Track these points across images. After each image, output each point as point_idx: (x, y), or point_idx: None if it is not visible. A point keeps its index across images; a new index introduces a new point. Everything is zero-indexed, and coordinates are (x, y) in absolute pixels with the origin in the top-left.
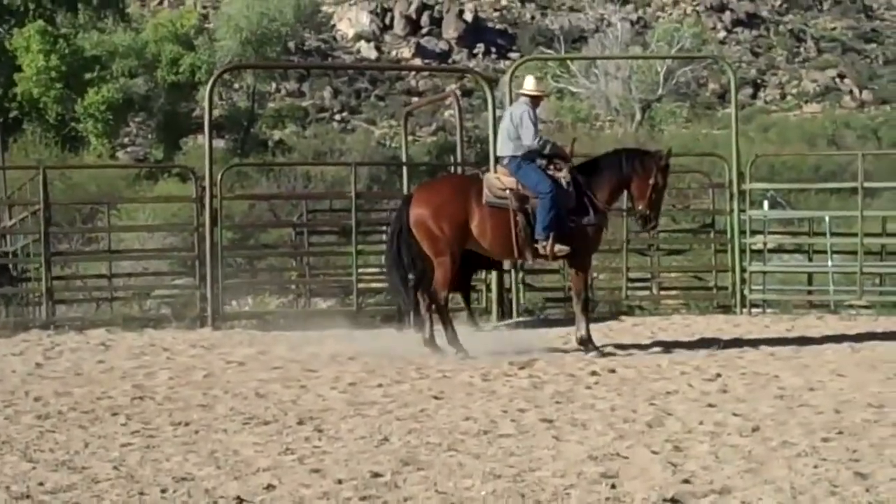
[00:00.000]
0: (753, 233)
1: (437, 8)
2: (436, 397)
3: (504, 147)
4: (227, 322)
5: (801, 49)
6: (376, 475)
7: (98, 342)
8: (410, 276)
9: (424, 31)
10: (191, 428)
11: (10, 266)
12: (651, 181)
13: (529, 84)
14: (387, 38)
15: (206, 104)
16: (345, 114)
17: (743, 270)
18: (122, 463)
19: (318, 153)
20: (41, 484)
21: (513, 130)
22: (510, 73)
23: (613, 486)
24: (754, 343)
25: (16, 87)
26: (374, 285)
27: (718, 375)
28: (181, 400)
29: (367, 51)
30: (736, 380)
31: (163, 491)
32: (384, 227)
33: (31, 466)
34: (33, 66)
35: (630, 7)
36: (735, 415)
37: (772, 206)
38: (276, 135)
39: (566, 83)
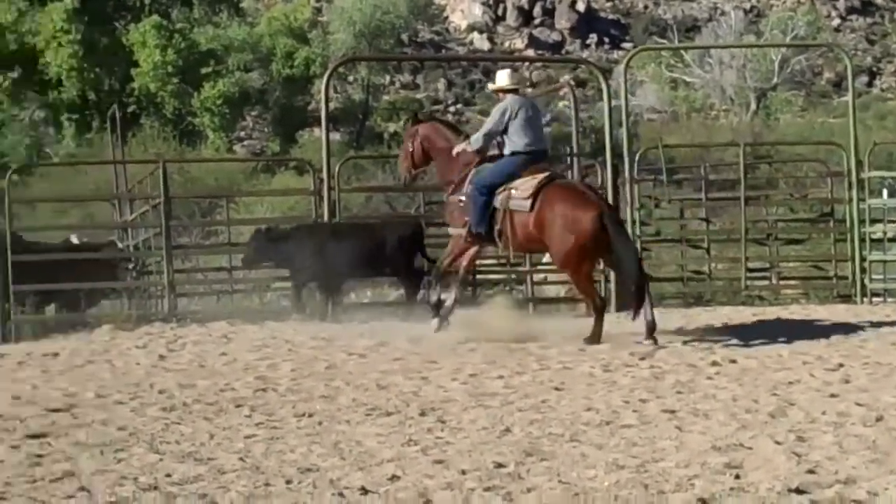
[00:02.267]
0: (873, 222)
1: None
2: (557, 388)
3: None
4: (347, 314)
5: None
6: (499, 466)
7: (220, 334)
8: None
9: (537, 21)
10: (314, 419)
11: (133, 259)
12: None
13: (504, 80)
14: (499, 29)
15: (322, 97)
16: (459, 105)
17: (863, 260)
18: (247, 454)
19: None
20: (168, 475)
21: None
22: (625, 62)
23: (737, 477)
24: (876, 333)
25: (133, 83)
26: (491, 277)
27: (841, 365)
28: (304, 391)
29: (480, 42)
30: (858, 370)
31: (288, 482)
32: None
33: (158, 458)
34: (150, 62)
35: None
36: (858, 405)
37: (891, 195)
38: (391, 127)
39: (680, 73)
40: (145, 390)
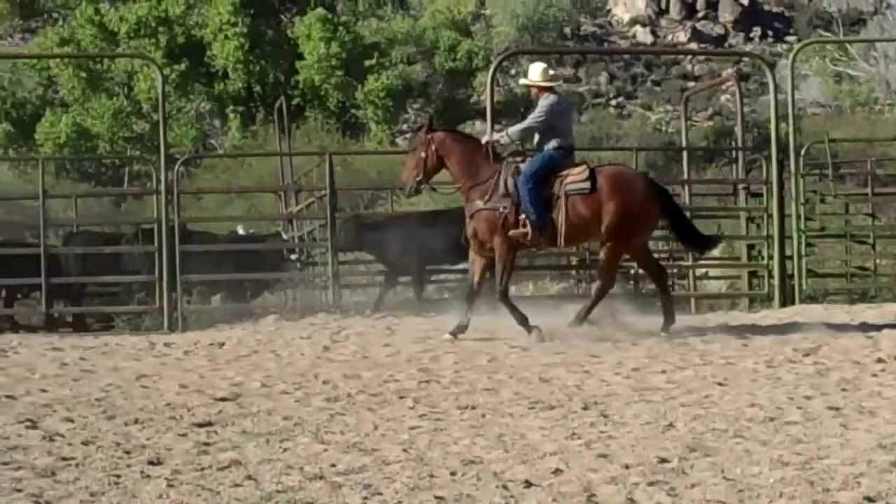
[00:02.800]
0: None
1: None
2: (720, 384)
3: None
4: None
5: None
6: (663, 461)
7: (383, 326)
8: None
9: (700, 15)
10: (477, 412)
11: (298, 251)
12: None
13: (537, 75)
14: (662, 22)
15: (487, 90)
16: (620, 99)
17: None
18: (411, 445)
19: (594, 138)
20: (333, 465)
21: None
22: (792, 56)
23: None
24: None
25: (298, 75)
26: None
27: None
28: (467, 384)
29: (643, 35)
30: None
31: (452, 474)
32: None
33: (323, 448)
34: (314, 54)
35: None
36: None
37: None
38: None
39: (845, 66)
40: (310, 380)
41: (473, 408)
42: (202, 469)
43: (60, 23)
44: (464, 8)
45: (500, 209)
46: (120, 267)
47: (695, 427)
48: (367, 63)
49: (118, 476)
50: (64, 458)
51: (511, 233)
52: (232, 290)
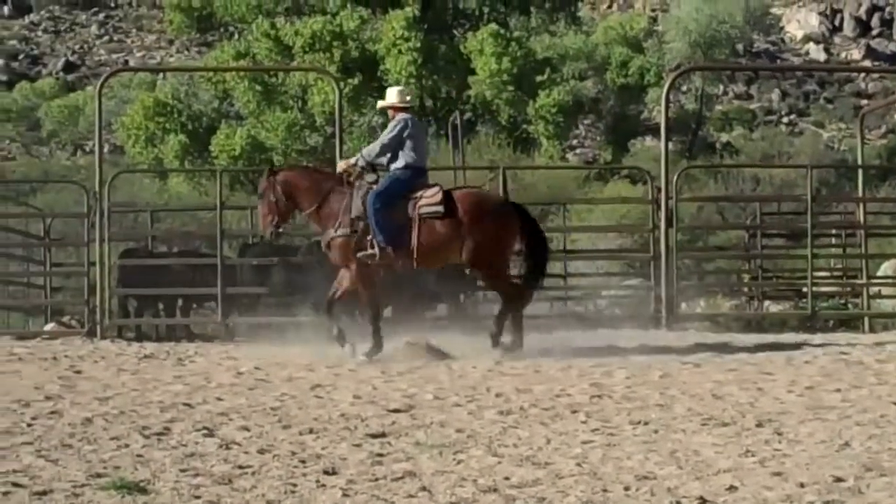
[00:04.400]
0: None
1: (888, 9)
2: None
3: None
4: (680, 323)
5: None
6: (838, 480)
7: (554, 341)
8: None
9: (875, 32)
10: (650, 427)
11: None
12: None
13: (393, 97)
14: (836, 39)
15: (661, 107)
16: (793, 116)
17: None
18: (584, 460)
19: (766, 156)
20: (507, 478)
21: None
22: None
23: None
24: None
25: (470, 90)
26: (825, 289)
27: None
28: (639, 399)
29: (816, 53)
30: None
31: (626, 489)
32: (835, 231)
33: (497, 461)
34: (486, 69)
35: None
36: None
37: None
38: (724, 137)
39: None
40: (482, 393)
41: (646, 423)
42: (376, 479)
43: (236, 37)
44: (636, 24)
45: (351, 232)
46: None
47: (871, 446)
48: (539, 78)
49: (294, 485)
50: (240, 467)
51: (359, 255)
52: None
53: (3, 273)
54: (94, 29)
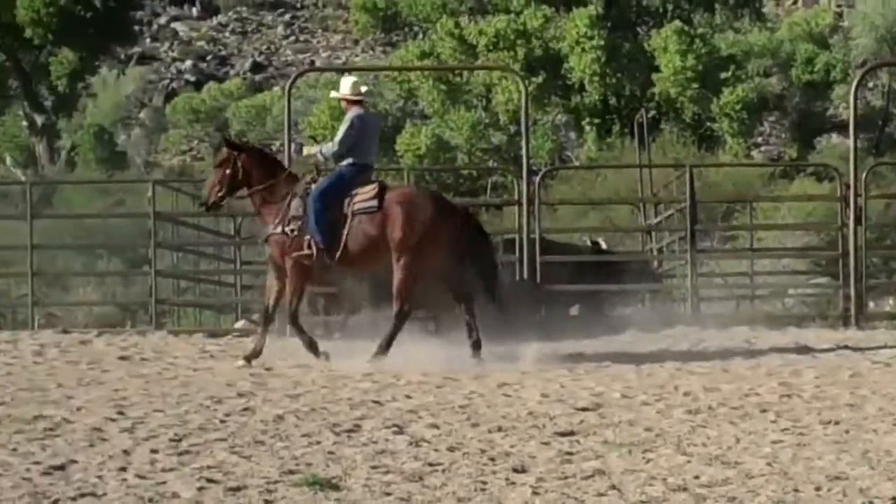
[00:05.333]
0: None
1: None
2: None
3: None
4: (869, 322)
5: None
6: None
7: (742, 340)
8: None
9: None
10: (840, 427)
11: (654, 262)
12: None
13: (346, 88)
14: None
15: (850, 103)
16: None
17: None
18: (774, 459)
19: None
20: (696, 477)
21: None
22: None
23: None
24: None
25: (653, 88)
26: None
27: None
28: (829, 398)
29: None
30: None
31: (817, 489)
32: None
33: (686, 460)
34: (670, 67)
35: None
36: None
37: None
38: None
39: None
40: (670, 392)
41: (837, 423)
42: (566, 478)
43: (420, 36)
44: (821, 20)
45: (288, 232)
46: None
47: None
48: (723, 76)
49: (484, 482)
50: (430, 464)
51: (294, 255)
52: (590, 301)
53: (195, 271)
54: (280, 30)
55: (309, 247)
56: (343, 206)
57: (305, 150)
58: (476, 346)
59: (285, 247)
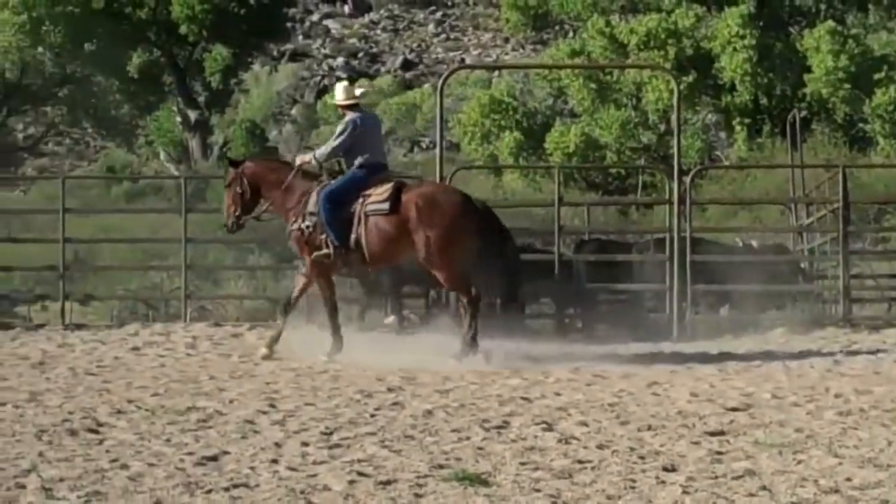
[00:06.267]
0: None
1: None
2: None
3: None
4: None
5: None
6: None
7: (893, 342)
8: None
9: None
10: None
11: (806, 263)
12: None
13: (340, 94)
14: None
15: None
16: None
17: None
18: None
19: None
20: (848, 479)
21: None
22: None
23: None
24: None
25: (805, 88)
26: None
27: None
28: None
29: None
30: None
31: None
32: None
33: (837, 462)
34: (823, 67)
35: None
36: None
37: None
38: None
39: None
40: (821, 394)
41: None
42: (716, 477)
43: (571, 35)
44: None
45: (304, 227)
46: (630, 275)
47: None
48: (876, 76)
49: (633, 481)
50: (580, 461)
51: (314, 255)
52: (741, 301)
53: None
54: (431, 27)
55: (326, 245)
56: (356, 206)
57: (299, 159)
58: (472, 343)
59: (302, 242)
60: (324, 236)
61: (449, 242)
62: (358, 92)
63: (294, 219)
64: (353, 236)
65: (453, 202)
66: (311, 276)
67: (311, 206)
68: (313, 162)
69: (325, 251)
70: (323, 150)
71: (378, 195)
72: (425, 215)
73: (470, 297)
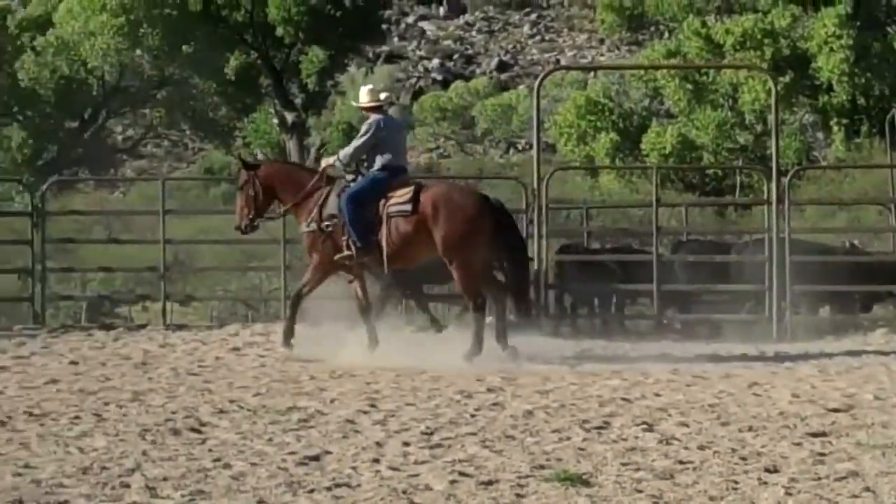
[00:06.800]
0: None
1: None
2: None
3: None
4: None
5: None
6: None
7: None
8: None
9: None
10: None
11: None
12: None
13: (364, 97)
14: None
15: None
16: None
17: None
18: None
19: None
20: None
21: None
22: None
23: None
24: None
25: None
26: None
27: None
28: None
29: None
30: None
31: None
32: None
33: None
34: None
35: None
36: None
37: None
38: None
39: None
40: None
41: None
42: (819, 479)
43: (666, 35)
44: None
45: (325, 227)
46: (728, 276)
47: None
48: None
49: (735, 482)
50: (681, 462)
51: (336, 257)
52: (841, 302)
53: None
54: (526, 29)
55: (348, 247)
56: (378, 207)
57: (324, 162)
58: (503, 341)
59: (315, 241)
60: (346, 238)
61: (464, 241)
62: (382, 96)
63: (307, 220)
64: (375, 238)
65: (469, 201)
66: (314, 273)
67: (330, 208)
68: (337, 164)
69: (346, 253)
70: (346, 151)
71: (400, 196)
72: (442, 214)
73: (476, 303)
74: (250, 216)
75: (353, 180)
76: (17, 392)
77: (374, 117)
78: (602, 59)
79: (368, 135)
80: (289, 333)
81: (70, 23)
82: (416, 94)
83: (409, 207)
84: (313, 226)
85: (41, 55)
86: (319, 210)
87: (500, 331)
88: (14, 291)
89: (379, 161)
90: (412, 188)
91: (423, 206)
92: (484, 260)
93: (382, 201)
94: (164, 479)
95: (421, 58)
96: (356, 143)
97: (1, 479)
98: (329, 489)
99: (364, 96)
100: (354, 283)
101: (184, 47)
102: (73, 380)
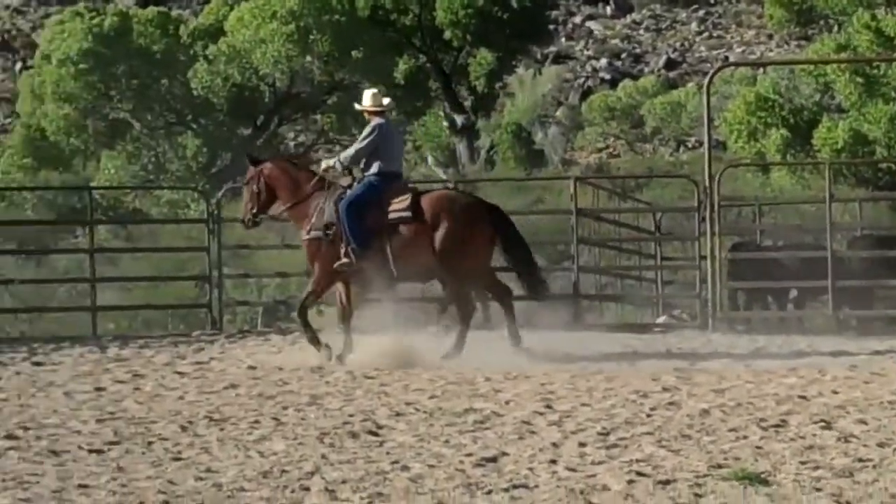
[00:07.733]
0: None
1: None
2: None
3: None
4: None
5: None
6: None
7: None
8: None
9: None
10: None
11: None
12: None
13: (367, 100)
14: None
15: None
16: None
17: None
18: None
19: None
20: None
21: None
22: None
23: None
24: None
25: None
26: None
27: None
28: None
29: None
30: None
31: None
32: None
33: None
34: None
35: None
36: None
37: None
38: None
39: None
40: None
41: None
42: None
43: (836, 29)
44: None
45: (323, 236)
46: None
47: None
48: None
49: None
50: (860, 460)
51: (335, 265)
52: None
53: (616, 267)
54: (693, 26)
55: (346, 255)
56: (378, 214)
57: (324, 164)
58: (515, 339)
59: (316, 250)
60: (345, 246)
61: (461, 247)
62: (385, 101)
63: (306, 226)
64: (374, 244)
65: (465, 206)
66: (317, 281)
67: (328, 217)
68: (337, 166)
69: (345, 261)
70: (348, 153)
71: (399, 202)
72: (439, 218)
73: (464, 311)
74: (253, 211)
75: (350, 186)
76: (197, 397)
77: (376, 121)
78: (771, 54)
79: (371, 137)
80: (315, 342)
81: (241, 31)
82: (585, 93)
83: (409, 213)
84: (314, 234)
85: (213, 64)
86: (318, 218)
87: (511, 331)
88: (192, 298)
89: (375, 166)
90: (411, 194)
91: (424, 212)
92: (483, 265)
93: (381, 207)
94: (343, 481)
95: (589, 57)
96: (358, 145)
97: (183, 483)
98: (506, 490)
99: (367, 100)
100: (339, 288)
101: (353, 52)
102: (252, 384)
